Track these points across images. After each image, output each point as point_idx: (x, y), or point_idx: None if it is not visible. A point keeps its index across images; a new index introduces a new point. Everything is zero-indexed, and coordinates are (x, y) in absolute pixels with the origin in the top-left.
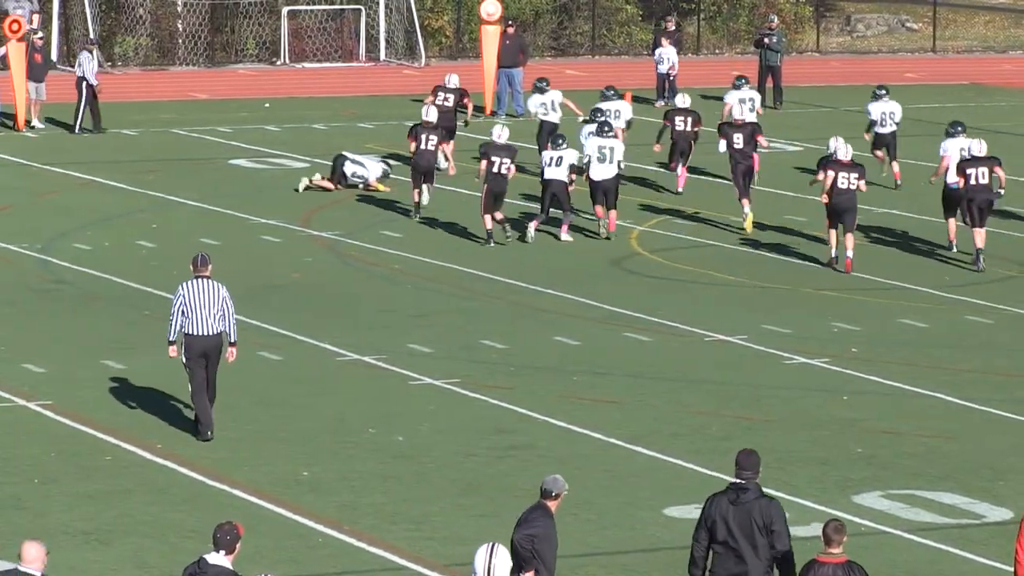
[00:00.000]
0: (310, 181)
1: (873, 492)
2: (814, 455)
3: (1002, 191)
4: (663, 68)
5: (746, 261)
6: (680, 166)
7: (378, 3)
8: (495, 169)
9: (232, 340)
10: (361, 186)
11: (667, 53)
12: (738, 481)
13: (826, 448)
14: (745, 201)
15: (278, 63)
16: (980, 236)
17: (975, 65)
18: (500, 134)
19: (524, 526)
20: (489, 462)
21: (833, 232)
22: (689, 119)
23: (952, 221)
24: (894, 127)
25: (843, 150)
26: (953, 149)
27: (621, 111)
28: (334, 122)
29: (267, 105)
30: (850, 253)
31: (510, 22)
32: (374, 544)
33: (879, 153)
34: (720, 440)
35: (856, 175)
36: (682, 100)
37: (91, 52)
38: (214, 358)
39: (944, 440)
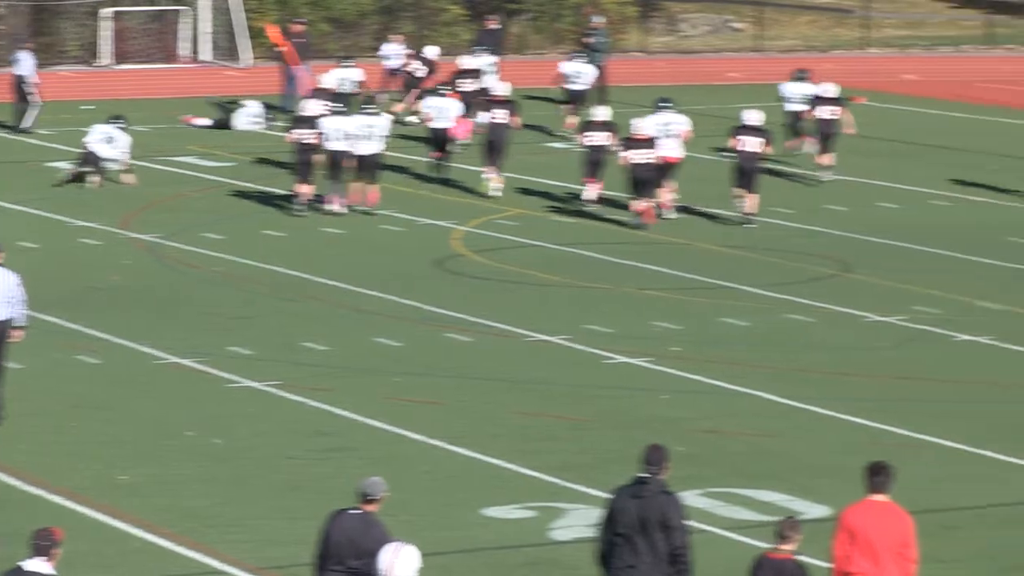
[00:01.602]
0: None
1: (693, 490)
2: (635, 454)
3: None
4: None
5: (568, 261)
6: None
7: (200, 3)
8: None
9: (19, 325)
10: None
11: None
12: (641, 475)
13: (635, 445)
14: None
15: (99, 64)
16: (755, 201)
17: (798, 65)
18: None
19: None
20: (309, 464)
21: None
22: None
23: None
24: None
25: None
26: (649, 125)
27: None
28: (155, 123)
29: (92, 107)
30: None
31: (297, 21)
32: (192, 547)
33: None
34: (542, 440)
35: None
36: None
37: None
38: (4, 342)
39: (765, 438)
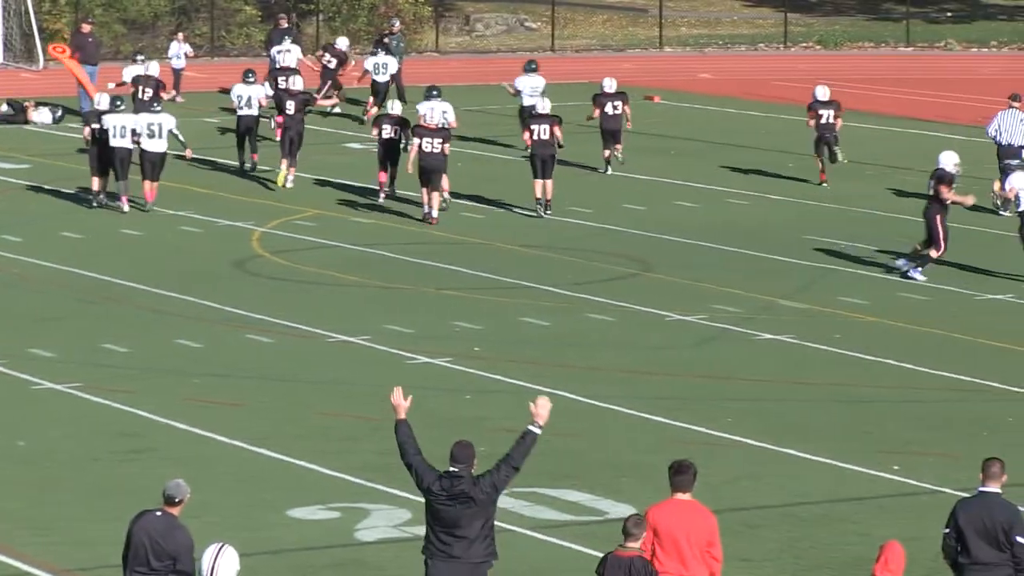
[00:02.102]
0: None
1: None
2: (437, 453)
3: (562, 146)
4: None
5: (368, 262)
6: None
7: None
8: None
9: None
10: None
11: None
12: (452, 470)
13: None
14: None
15: None
16: (546, 187)
17: (594, 64)
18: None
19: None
20: (114, 466)
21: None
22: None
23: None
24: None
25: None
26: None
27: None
28: None
29: None
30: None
31: (87, 21)
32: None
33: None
34: (344, 440)
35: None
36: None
37: None
38: None
39: (568, 438)
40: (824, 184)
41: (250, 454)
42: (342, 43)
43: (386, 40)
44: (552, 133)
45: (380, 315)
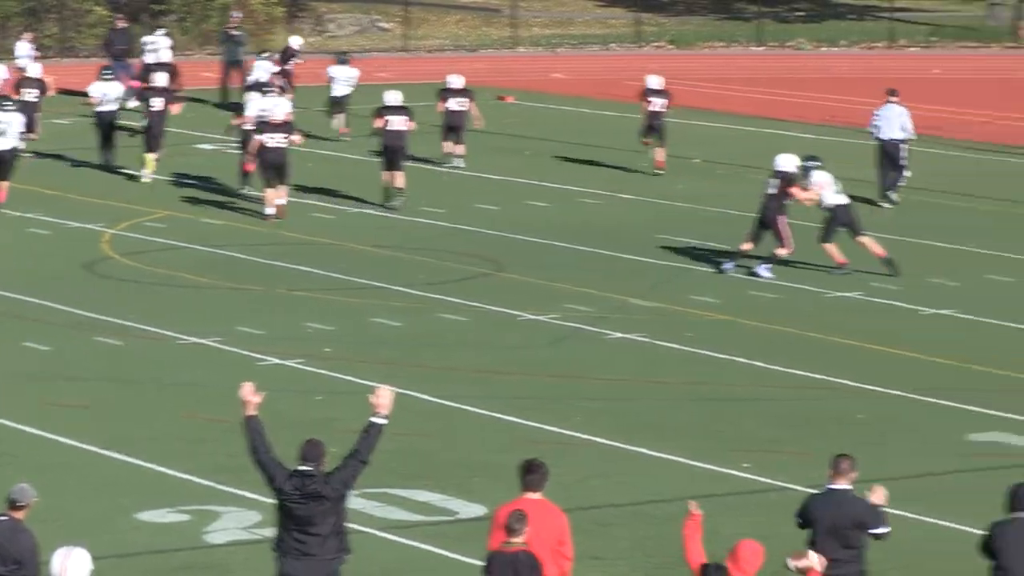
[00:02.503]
0: None
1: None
2: (289, 455)
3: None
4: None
5: (219, 263)
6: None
7: None
8: None
9: None
10: None
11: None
12: (303, 468)
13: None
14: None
15: None
16: (395, 177)
17: (447, 64)
18: None
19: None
20: None
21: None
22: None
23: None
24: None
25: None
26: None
27: None
28: None
29: None
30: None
31: None
32: None
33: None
34: (194, 443)
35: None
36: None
37: None
38: None
39: (420, 438)
40: (660, 172)
41: (99, 457)
42: (295, 42)
43: (234, 34)
44: (404, 125)
45: (231, 316)
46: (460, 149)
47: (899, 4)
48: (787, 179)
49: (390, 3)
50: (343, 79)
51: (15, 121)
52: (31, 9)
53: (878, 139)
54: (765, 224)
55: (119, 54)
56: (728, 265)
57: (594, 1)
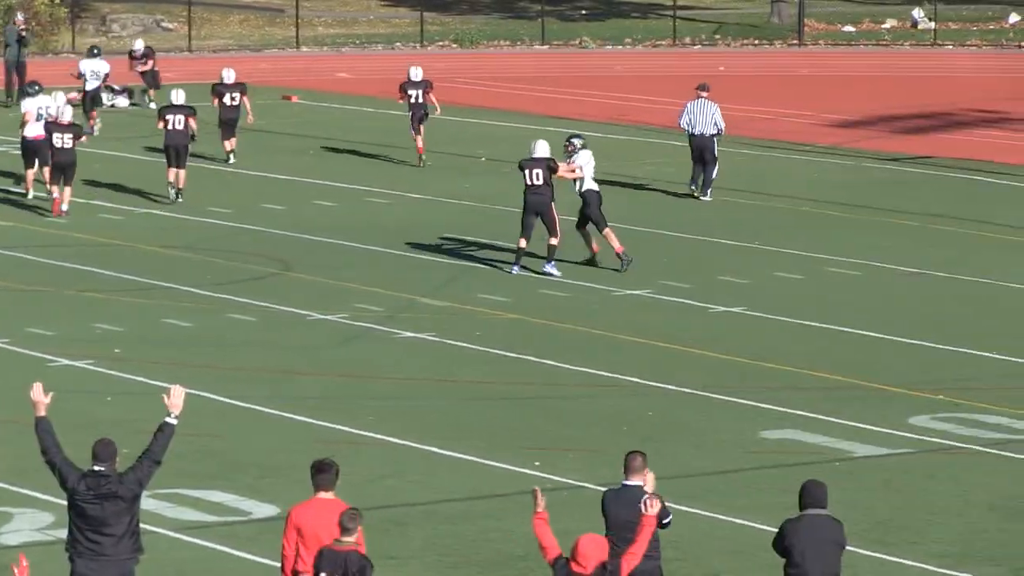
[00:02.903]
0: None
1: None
2: (81, 456)
3: (195, 138)
4: None
5: (7, 264)
6: None
7: None
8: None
9: None
10: None
11: None
12: (96, 468)
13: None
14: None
15: None
16: (180, 175)
17: (231, 64)
18: None
19: None
20: None
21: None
22: None
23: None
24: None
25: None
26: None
27: None
28: None
29: None
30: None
31: None
32: None
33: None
34: None
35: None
36: None
37: None
38: None
39: (211, 438)
40: (423, 160)
41: None
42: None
43: (23, 35)
44: (187, 123)
45: (20, 318)
46: (231, 144)
47: (682, 2)
48: (551, 166)
49: (173, 3)
50: (91, 73)
51: None
52: None
53: (689, 134)
54: (536, 216)
55: None
56: (515, 268)
57: (378, 1)
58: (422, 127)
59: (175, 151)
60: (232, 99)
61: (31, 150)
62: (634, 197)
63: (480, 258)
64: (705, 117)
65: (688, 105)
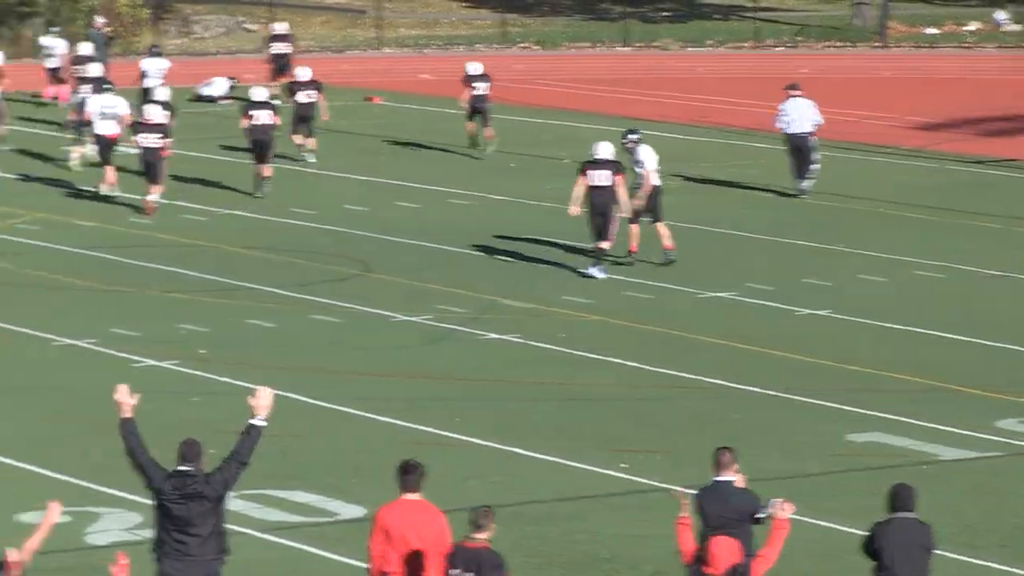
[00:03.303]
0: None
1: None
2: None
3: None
4: None
5: (93, 264)
6: None
7: None
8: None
9: None
10: None
11: None
12: (182, 468)
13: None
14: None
15: None
16: (267, 170)
17: (313, 65)
18: None
19: None
20: None
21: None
22: None
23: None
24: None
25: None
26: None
27: None
28: None
29: None
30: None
31: None
32: None
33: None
34: (71, 445)
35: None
36: None
37: None
38: None
39: (295, 439)
40: (489, 147)
41: None
42: (281, 27)
43: (108, 36)
44: (272, 119)
45: (106, 318)
46: (311, 143)
47: (764, 4)
48: (617, 168)
49: (256, 4)
50: (155, 71)
51: None
52: None
53: (787, 133)
54: (602, 216)
55: None
56: (596, 271)
57: (460, 2)
58: (488, 118)
59: (260, 146)
60: (308, 96)
61: (104, 146)
62: (716, 199)
63: (562, 259)
64: (801, 115)
65: (782, 106)
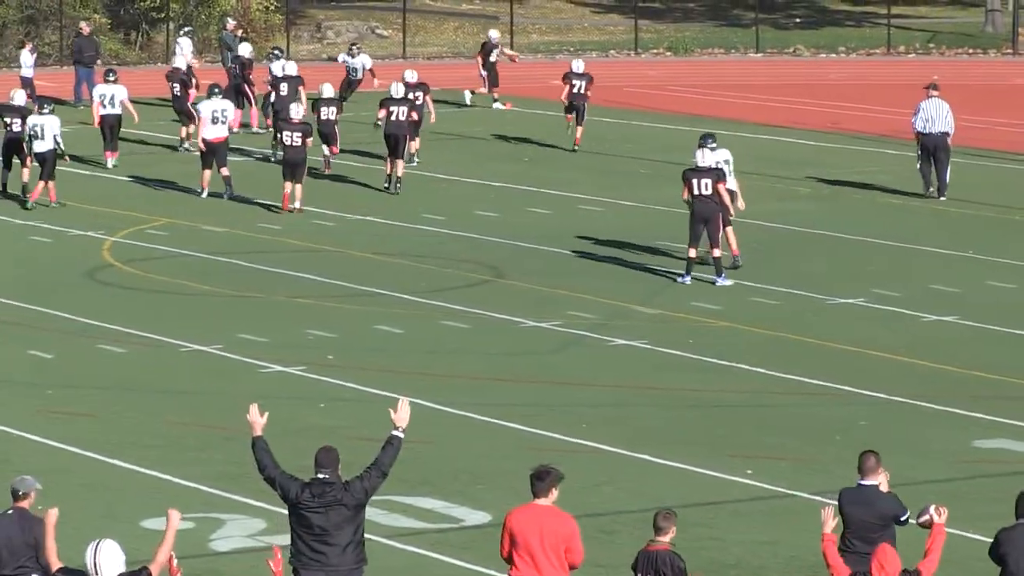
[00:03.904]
0: None
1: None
2: (293, 463)
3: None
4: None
5: (219, 270)
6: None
7: None
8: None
9: None
10: None
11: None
12: (320, 476)
13: (304, 456)
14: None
15: None
16: (398, 165)
17: (446, 71)
18: None
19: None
20: None
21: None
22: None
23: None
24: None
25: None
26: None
27: None
28: None
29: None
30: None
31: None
32: None
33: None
34: (197, 451)
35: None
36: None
37: None
38: None
39: (421, 444)
40: (576, 148)
41: (103, 465)
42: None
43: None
44: (409, 115)
45: (233, 324)
46: (415, 145)
47: (896, 11)
48: (720, 176)
49: (388, 10)
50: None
51: (51, 124)
52: (30, 17)
53: (922, 133)
54: (704, 224)
55: (88, 61)
56: (686, 279)
57: (591, 8)
58: (583, 119)
59: (395, 140)
60: (415, 97)
61: (209, 151)
62: (847, 205)
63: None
64: (940, 114)
65: (922, 104)
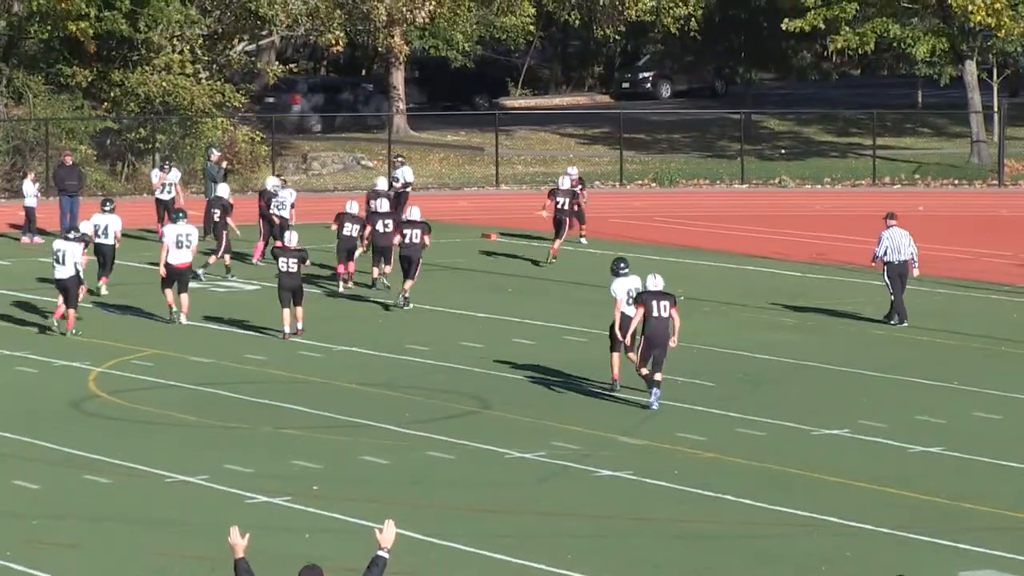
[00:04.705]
0: None
1: None
2: None
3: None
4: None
5: (207, 401)
6: None
7: None
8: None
9: None
10: None
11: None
12: None
13: None
14: None
15: None
16: (408, 283)
17: (431, 202)
18: None
19: None
20: None
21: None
22: None
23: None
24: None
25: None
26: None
27: None
28: None
29: None
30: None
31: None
32: None
33: None
34: None
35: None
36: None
37: None
38: None
39: None
40: (552, 260)
41: None
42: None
43: (228, 170)
44: (422, 238)
45: (218, 454)
46: (388, 270)
47: (881, 142)
48: (673, 300)
49: (374, 142)
50: (279, 204)
51: (74, 250)
52: (16, 148)
53: (888, 263)
54: (659, 348)
55: (71, 190)
56: (653, 404)
57: (577, 139)
58: (563, 234)
59: (408, 263)
60: (384, 226)
61: (171, 275)
62: (831, 336)
63: (677, 397)
64: (904, 243)
65: (884, 234)
